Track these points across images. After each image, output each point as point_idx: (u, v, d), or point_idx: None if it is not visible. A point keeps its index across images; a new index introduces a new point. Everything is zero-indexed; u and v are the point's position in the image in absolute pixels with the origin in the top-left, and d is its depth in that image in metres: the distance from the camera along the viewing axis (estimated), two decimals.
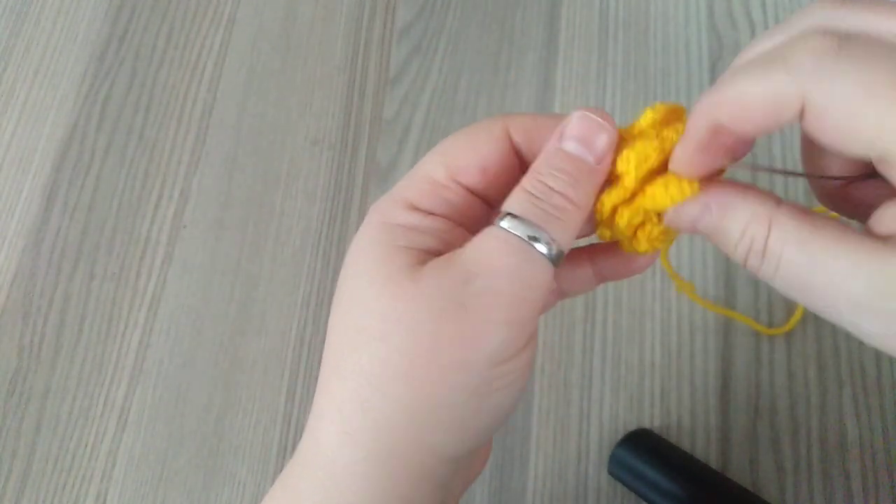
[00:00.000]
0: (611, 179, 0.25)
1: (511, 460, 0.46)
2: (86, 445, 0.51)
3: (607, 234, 0.26)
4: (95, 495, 0.49)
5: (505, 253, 0.23)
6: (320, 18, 0.61)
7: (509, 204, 0.24)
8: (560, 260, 0.24)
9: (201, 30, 0.62)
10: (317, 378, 0.50)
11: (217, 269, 0.54)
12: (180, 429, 0.50)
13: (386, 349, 0.23)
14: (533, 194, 0.24)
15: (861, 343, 0.46)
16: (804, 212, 0.22)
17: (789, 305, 0.47)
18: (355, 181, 0.55)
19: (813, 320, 0.47)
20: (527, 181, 0.24)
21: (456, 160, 0.25)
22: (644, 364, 0.47)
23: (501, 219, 0.23)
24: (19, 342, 0.54)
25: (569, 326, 0.49)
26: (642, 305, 0.48)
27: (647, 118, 0.25)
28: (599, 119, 0.24)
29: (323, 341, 0.51)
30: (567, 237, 0.24)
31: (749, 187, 0.23)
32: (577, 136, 0.24)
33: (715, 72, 0.53)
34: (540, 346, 0.48)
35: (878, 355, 0.45)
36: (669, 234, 0.26)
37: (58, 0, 0.65)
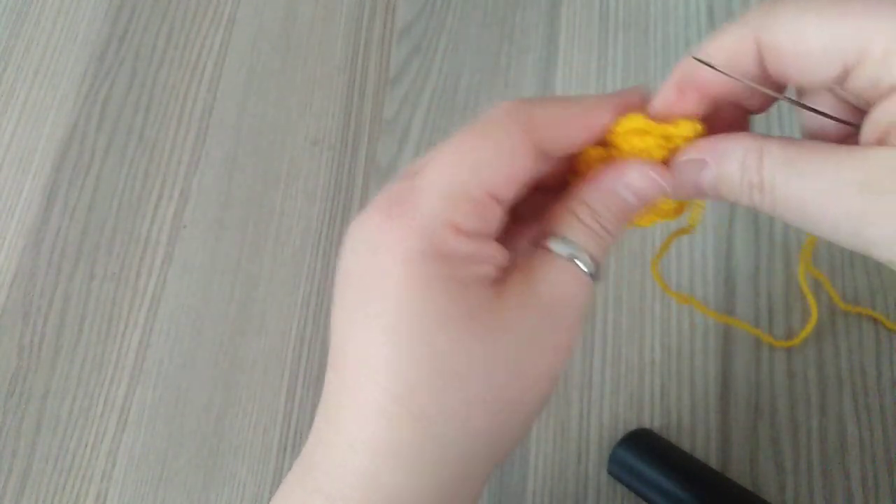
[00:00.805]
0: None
1: (511, 460, 0.46)
2: (86, 445, 0.51)
3: None
4: (95, 495, 0.49)
5: (571, 285, 0.25)
6: (320, 18, 0.61)
7: (571, 231, 0.25)
8: (597, 281, 0.26)
9: (201, 30, 0.62)
10: (317, 377, 0.50)
11: (217, 269, 0.54)
12: (180, 429, 0.50)
13: (474, 388, 0.23)
14: (592, 229, 0.25)
15: (861, 343, 0.46)
16: (791, 139, 0.24)
17: (789, 308, 0.47)
18: (355, 181, 0.55)
19: (815, 320, 0.47)
20: (585, 216, 0.25)
21: (489, 173, 0.24)
22: (644, 364, 0.47)
23: (566, 249, 0.25)
24: (19, 342, 0.54)
25: None
26: (642, 305, 0.48)
27: (678, 129, 0.26)
28: (659, 179, 0.26)
29: (323, 341, 0.51)
30: (604, 263, 0.26)
31: (735, 133, 0.25)
32: (636, 191, 0.26)
33: None
34: None
35: (879, 355, 0.45)
36: (668, 210, 0.28)
37: (58, 0, 0.65)
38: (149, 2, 0.64)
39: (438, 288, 0.23)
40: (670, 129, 0.26)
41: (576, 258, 0.25)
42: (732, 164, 0.24)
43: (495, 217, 0.24)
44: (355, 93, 0.58)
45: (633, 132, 0.26)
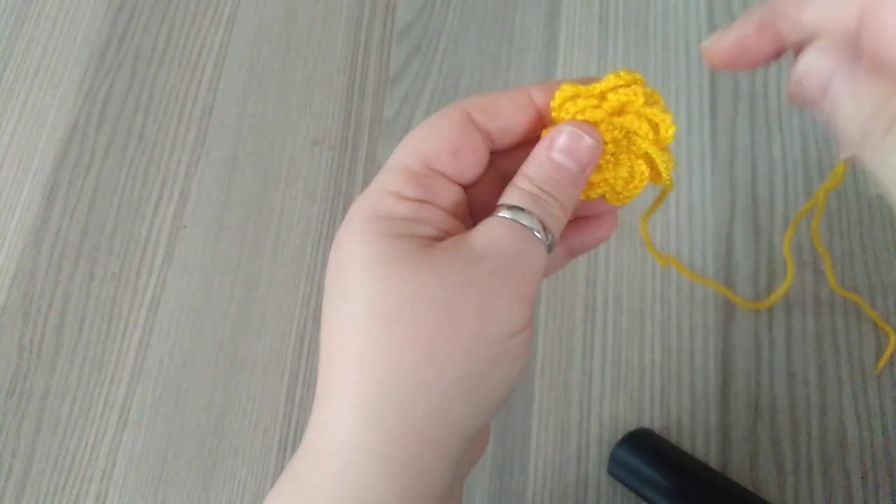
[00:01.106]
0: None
1: (511, 460, 0.46)
2: (86, 445, 0.51)
3: (597, 191, 0.29)
4: (95, 495, 0.49)
5: (513, 238, 0.25)
6: (320, 18, 0.61)
7: (509, 198, 0.26)
8: (552, 249, 0.27)
9: (201, 30, 0.62)
10: (317, 378, 0.50)
11: (217, 269, 0.54)
12: (180, 429, 0.50)
13: (404, 330, 0.24)
14: (530, 192, 0.26)
15: (861, 342, 0.46)
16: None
17: (789, 308, 0.47)
18: (355, 181, 0.55)
19: (813, 319, 0.47)
20: (522, 182, 0.27)
21: (427, 148, 0.27)
22: (644, 364, 0.47)
23: (504, 210, 0.26)
24: (19, 342, 0.54)
25: (569, 326, 0.49)
26: (642, 305, 0.48)
27: (607, 82, 0.27)
28: (582, 132, 0.27)
29: None
30: (557, 230, 0.27)
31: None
32: (565, 149, 0.27)
33: (715, 72, 0.54)
34: (540, 347, 0.48)
35: (879, 355, 0.45)
36: (624, 182, 0.29)
37: (58, 0, 0.65)
38: (149, 2, 0.64)
39: (377, 242, 0.25)
40: (598, 85, 0.27)
41: (510, 215, 0.26)
42: (879, 92, 0.23)
43: (441, 188, 0.27)
44: (355, 93, 0.58)
45: (567, 100, 0.27)
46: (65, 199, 0.58)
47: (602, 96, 0.27)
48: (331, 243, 0.51)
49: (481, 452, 0.32)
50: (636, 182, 0.28)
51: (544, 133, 0.28)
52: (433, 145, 0.27)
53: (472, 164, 0.28)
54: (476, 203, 0.29)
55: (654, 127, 0.28)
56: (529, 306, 0.26)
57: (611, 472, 0.44)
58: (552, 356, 0.48)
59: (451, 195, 0.27)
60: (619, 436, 0.45)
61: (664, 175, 0.28)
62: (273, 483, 0.26)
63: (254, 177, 0.57)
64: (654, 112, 0.27)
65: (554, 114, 0.28)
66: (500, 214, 0.26)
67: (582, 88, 0.27)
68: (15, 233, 0.57)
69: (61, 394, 0.52)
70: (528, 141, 0.28)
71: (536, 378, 0.48)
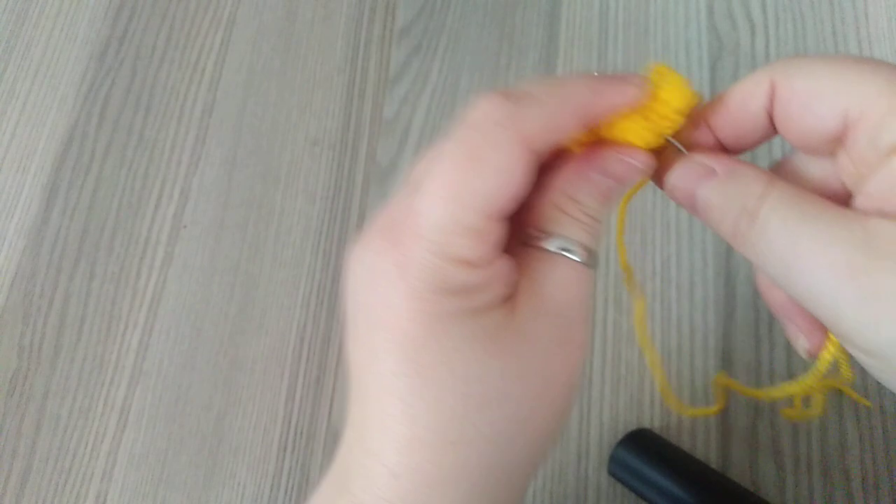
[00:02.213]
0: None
1: None
2: (86, 445, 0.51)
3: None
4: (95, 495, 0.49)
5: (577, 282, 0.24)
6: (320, 18, 0.61)
7: (561, 227, 0.25)
8: (594, 273, 0.26)
9: (201, 30, 0.62)
10: (317, 378, 0.50)
11: (217, 269, 0.54)
12: (180, 429, 0.50)
13: (508, 407, 0.23)
14: (580, 220, 0.25)
15: None
16: (797, 187, 0.24)
17: None
18: (355, 181, 0.55)
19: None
20: (569, 207, 0.25)
21: (492, 200, 0.22)
22: (644, 364, 0.47)
23: (561, 245, 0.25)
24: (19, 342, 0.54)
25: None
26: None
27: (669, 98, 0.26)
28: (636, 163, 0.26)
29: (323, 340, 0.51)
30: (596, 247, 0.26)
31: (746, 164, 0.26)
32: (616, 176, 0.26)
33: (715, 72, 0.54)
34: None
35: None
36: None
37: (58, 0, 0.65)
38: (149, 2, 0.64)
39: (450, 321, 0.22)
40: (655, 106, 0.25)
41: (571, 252, 0.24)
42: (738, 183, 0.24)
43: (498, 236, 0.24)
44: (355, 93, 0.58)
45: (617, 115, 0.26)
46: (65, 199, 0.58)
47: (653, 116, 0.26)
48: (331, 243, 0.50)
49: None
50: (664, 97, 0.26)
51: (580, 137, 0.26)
52: (495, 192, 0.22)
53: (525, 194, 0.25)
54: None
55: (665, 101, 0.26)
56: (585, 350, 0.26)
57: (611, 473, 0.44)
58: None
59: (501, 237, 0.24)
60: (619, 436, 0.45)
61: (683, 96, 0.26)
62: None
63: (254, 177, 0.57)
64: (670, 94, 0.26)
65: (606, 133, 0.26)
66: (553, 249, 0.24)
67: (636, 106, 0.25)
68: (15, 233, 0.57)
69: (61, 394, 0.52)
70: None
71: None
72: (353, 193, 0.55)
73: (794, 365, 0.46)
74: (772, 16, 0.55)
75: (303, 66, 0.60)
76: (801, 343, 0.27)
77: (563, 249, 0.24)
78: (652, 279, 0.49)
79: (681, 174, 0.26)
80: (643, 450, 0.44)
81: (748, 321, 0.47)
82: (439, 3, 0.60)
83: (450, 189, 0.22)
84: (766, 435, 0.45)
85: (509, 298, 0.24)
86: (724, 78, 0.53)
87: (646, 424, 0.46)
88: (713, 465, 0.44)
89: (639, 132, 0.26)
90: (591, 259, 0.25)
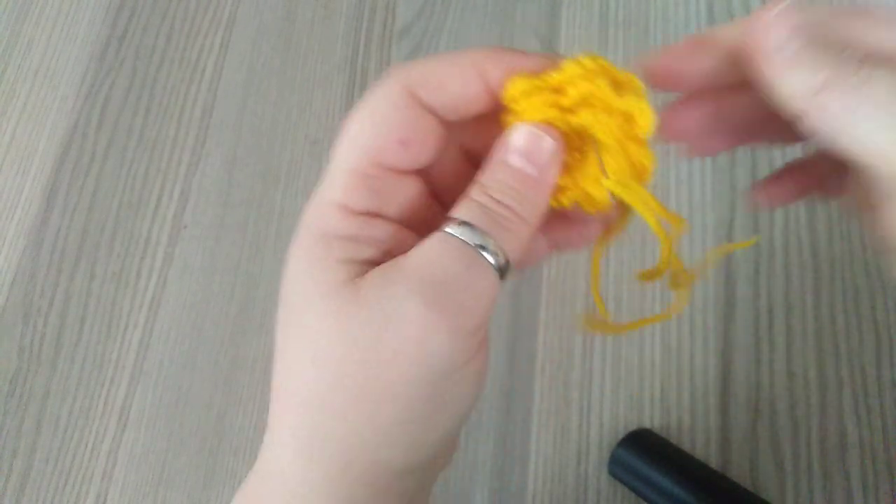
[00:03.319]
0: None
1: (511, 460, 0.46)
2: (86, 445, 0.51)
3: (563, 199, 0.25)
4: (95, 495, 0.49)
5: (451, 259, 0.22)
6: (320, 18, 0.61)
7: (457, 211, 0.23)
8: (507, 272, 0.23)
9: (201, 30, 0.62)
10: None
11: (217, 269, 0.54)
12: (181, 429, 0.50)
13: (334, 373, 0.22)
14: (481, 203, 0.23)
15: (861, 342, 0.46)
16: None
17: (789, 307, 0.47)
18: None
19: (813, 320, 0.47)
20: (474, 192, 0.23)
21: (372, 142, 0.23)
22: (644, 364, 0.47)
23: (449, 225, 0.23)
24: (19, 342, 0.54)
25: (568, 327, 0.49)
26: (642, 305, 0.48)
27: (564, 73, 0.24)
28: (541, 132, 0.24)
29: None
30: (515, 248, 0.23)
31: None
32: (521, 151, 0.23)
33: None
34: (540, 347, 0.48)
35: (879, 355, 0.45)
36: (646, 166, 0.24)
37: (58, 0, 0.65)
38: (149, 2, 0.64)
39: (319, 271, 0.23)
40: (554, 76, 0.23)
41: (455, 231, 0.22)
42: (832, 49, 0.22)
43: (393, 187, 0.24)
44: (355, 93, 0.58)
45: (522, 95, 0.23)
46: (65, 200, 0.58)
47: (560, 90, 0.23)
48: None
49: (446, 462, 0.29)
50: (607, 181, 0.24)
51: (504, 124, 0.24)
52: (378, 137, 0.23)
53: (426, 150, 0.24)
54: (442, 183, 0.25)
55: (628, 118, 0.23)
56: (472, 338, 0.22)
57: (611, 473, 0.44)
58: (552, 356, 0.48)
59: (404, 192, 0.24)
60: (620, 436, 0.45)
61: (646, 171, 0.24)
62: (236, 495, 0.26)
63: (254, 176, 0.57)
64: (625, 102, 0.23)
65: (507, 104, 0.24)
66: (443, 230, 0.23)
67: (536, 81, 0.23)
68: (15, 233, 0.57)
69: (61, 394, 0.52)
70: (490, 112, 0.24)
71: (536, 378, 0.48)
72: None
73: (793, 365, 0.46)
74: None
75: (303, 66, 0.60)
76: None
77: (447, 227, 0.23)
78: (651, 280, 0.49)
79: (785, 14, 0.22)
80: (643, 450, 0.44)
81: (748, 321, 0.47)
82: (439, 3, 0.60)
83: (344, 134, 0.24)
84: (766, 435, 0.45)
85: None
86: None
87: (646, 424, 0.46)
88: (713, 465, 0.44)
89: (543, 110, 0.23)
90: (481, 239, 0.22)
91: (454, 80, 0.23)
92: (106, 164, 0.58)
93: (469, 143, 0.26)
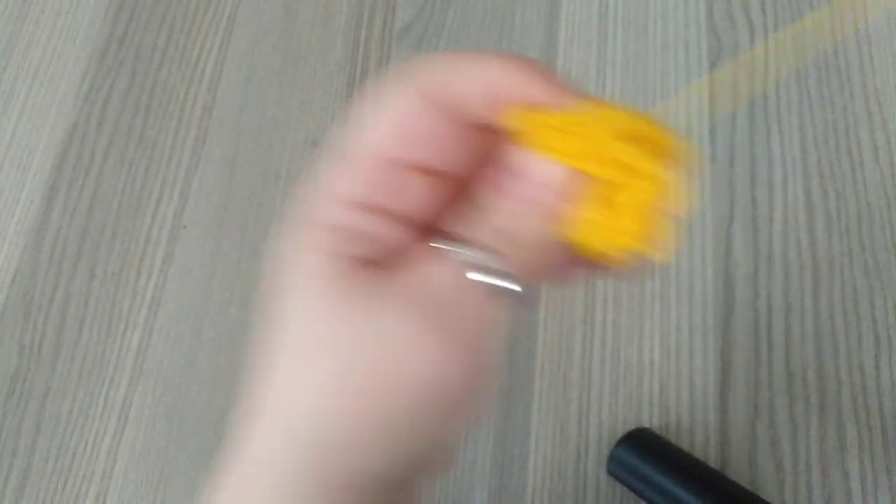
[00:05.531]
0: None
1: (511, 460, 0.46)
2: (86, 444, 0.51)
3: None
4: (95, 494, 0.49)
5: (448, 284, 0.21)
6: (320, 18, 0.61)
7: (463, 229, 0.22)
8: (521, 299, 0.22)
9: (201, 30, 0.62)
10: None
11: (217, 269, 0.54)
12: (180, 428, 0.50)
13: (309, 377, 0.22)
14: (493, 224, 0.22)
15: (860, 343, 0.46)
16: None
17: (789, 307, 0.47)
18: None
19: (812, 319, 0.47)
20: (482, 211, 0.22)
21: (382, 135, 0.22)
22: (643, 363, 0.47)
23: (453, 242, 0.22)
24: (19, 342, 0.54)
25: (568, 326, 0.49)
26: (641, 305, 0.48)
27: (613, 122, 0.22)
28: (561, 165, 0.22)
29: None
30: (525, 275, 0.22)
31: None
32: (536, 177, 0.22)
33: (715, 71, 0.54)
34: (539, 347, 0.48)
35: (877, 355, 0.45)
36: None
37: (58, 0, 0.65)
38: (149, 2, 0.64)
39: (305, 259, 0.22)
40: (590, 120, 0.21)
41: (459, 250, 0.21)
42: None
43: (397, 188, 0.23)
44: (355, 93, 0.58)
45: (550, 126, 0.22)
46: (65, 199, 0.58)
47: (595, 135, 0.22)
48: None
49: (440, 470, 0.28)
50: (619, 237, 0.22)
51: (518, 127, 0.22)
52: (389, 132, 0.22)
53: (436, 150, 0.23)
54: (450, 186, 0.24)
55: (660, 186, 0.22)
56: (463, 370, 0.21)
57: (610, 472, 0.44)
58: (552, 356, 0.48)
59: (409, 192, 0.23)
60: (619, 435, 0.45)
61: (660, 240, 0.22)
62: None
63: (254, 177, 0.57)
64: (663, 172, 0.22)
65: (535, 132, 0.22)
66: (446, 246, 0.22)
67: (567, 119, 0.22)
68: (15, 232, 0.57)
69: (61, 393, 0.52)
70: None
71: (536, 378, 0.48)
72: None
73: (793, 365, 0.46)
74: (771, 16, 0.55)
75: (303, 66, 0.60)
76: None
77: (446, 243, 0.22)
78: (652, 279, 0.49)
79: None
80: (642, 449, 0.44)
81: (748, 321, 0.47)
82: (439, 3, 0.60)
83: (351, 127, 0.23)
84: (766, 435, 0.45)
85: (374, 268, 0.22)
86: (723, 78, 0.53)
87: (645, 424, 0.46)
88: (712, 465, 0.44)
89: (575, 153, 0.22)
90: (488, 261, 0.21)
91: (474, 84, 0.22)
92: (106, 164, 0.58)
93: (480, 147, 0.24)
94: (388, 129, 0.22)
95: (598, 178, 0.22)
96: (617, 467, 0.44)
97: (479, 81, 0.22)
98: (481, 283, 0.21)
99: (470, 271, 0.21)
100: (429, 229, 0.24)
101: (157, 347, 0.53)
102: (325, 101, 0.58)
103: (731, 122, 0.52)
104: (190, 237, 0.56)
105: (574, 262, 0.24)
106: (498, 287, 0.21)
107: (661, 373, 0.47)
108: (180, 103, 0.60)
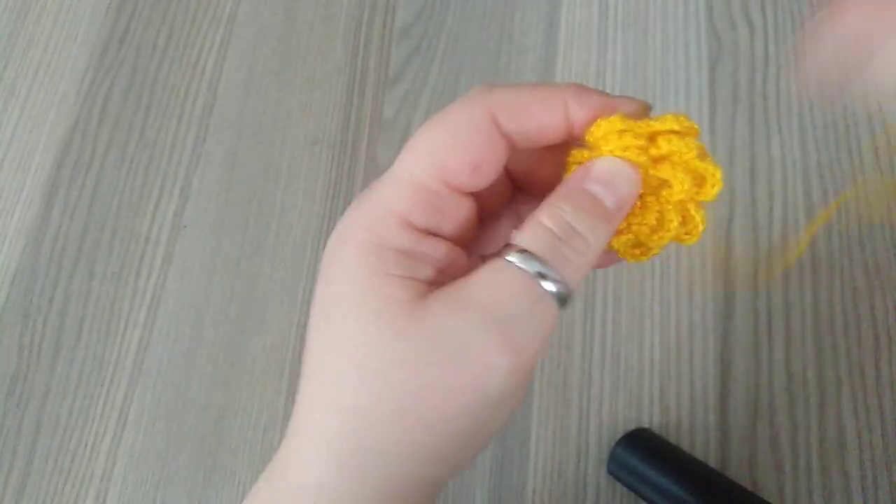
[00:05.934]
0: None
1: (511, 459, 0.46)
2: (86, 445, 0.51)
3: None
4: (95, 495, 0.49)
5: (517, 295, 0.22)
6: (320, 18, 0.61)
7: (526, 238, 0.22)
8: (566, 304, 0.23)
9: (201, 29, 0.62)
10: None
11: (217, 269, 0.54)
12: (180, 428, 0.50)
13: (381, 389, 0.22)
14: (554, 233, 0.22)
15: (860, 343, 0.46)
16: None
17: (788, 306, 0.47)
18: (355, 181, 0.56)
19: (812, 319, 0.47)
20: (547, 217, 0.23)
21: (445, 161, 0.23)
22: (643, 363, 0.47)
23: (515, 254, 0.22)
24: (19, 342, 0.54)
25: (568, 326, 0.49)
26: (641, 304, 0.48)
27: (663, 124, 0.24)
28: (627, 168, 0.23)
29: None
30: (577, 280, 0.23)
31: None
32: (603, 181, 0.23)
33: (714, 72, 0.54)
34: None
35: (877, 354, 0.46)
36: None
37: None
38: (149, 1, 0.64)
39: (371, 281, 0.22)
40: (653, 125, 0.24)
41: (524, 264, 0.22)
42: None
43: (453, 208, 0.23)
44: (355, 93, 0.58)
45: (612, 132, 0.24)
46: (65, 199, 0.58)
47: (652, 138, 0.24)
48: None
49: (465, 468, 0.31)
50: (662, 233, 0.25)
51: (573, 158, 0.24)
52: (453, 157, 0.23)
53: (491, 176, 0.23)
54: (482, 208, 0.25)
55: (700, 181, 0.24)
56: (524, 376, 0.22)
57: (610, 472, 0.44)
58: (552, 356, 0.48)
59: (461, 214, 0.24)
60: (619, 435, 0.45)
61: (696, 231, 0.25)
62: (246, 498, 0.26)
63: (254, 176, 0.57)
64: (705, 166, 0.24)
65: (590, 138, 0.24)
66: (510, 259, 0.22)
67: (632, 124, 0.23)
68: (15, 231, 0.57)
69: (61, 393, 0.52)
70: (548, 147, 0.25)
71: (536, 378, 0.48)
72: (353, 192, 0.55)
73: (793, 365, 0.46)
74: (771, 16, 0.55)
75: (303, 66, 0.60)
76: None
77: (509, 253, 0.22)
78: (651, 278, 0.49)
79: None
80: (642, 449, 0.44)
81: (748, 321, 0.47)
82: (439, 3, 0.60)
83: (415, 145, 0.23)
84: (766, 435, 0.45)
85: (436, 286, 0.23)
86: (724, 78, 0.53)
87: (645, 423, 0.46)
88: (712, 465, 0.44)
89: (632, 150, 0.24)
90: (547, 271, 0.22)
91: (538, 112, 0.23)
92: (106, 163, 0.58)
93: (513, 166, 0.25)
94: (451, 144, 0.23)
95: (652, 176, 0.24)
96: (617, 467, 0.44)
97: (543, 98, 0.23)
98: (543, 290, 0.22)
99: (534, 280, 0.22)
100: (471, 236, 0.25)
101: (157, 347, 0.53)
102: (325, 101, 0.58)
103: (730, 122, 0.52)
104: (190, 236, 0.56)
105: (607, 257, 0.26)
106: (555, 293, 0.22)
107: (661, 373, 0.47)
108: (180, 102, 0.60)
